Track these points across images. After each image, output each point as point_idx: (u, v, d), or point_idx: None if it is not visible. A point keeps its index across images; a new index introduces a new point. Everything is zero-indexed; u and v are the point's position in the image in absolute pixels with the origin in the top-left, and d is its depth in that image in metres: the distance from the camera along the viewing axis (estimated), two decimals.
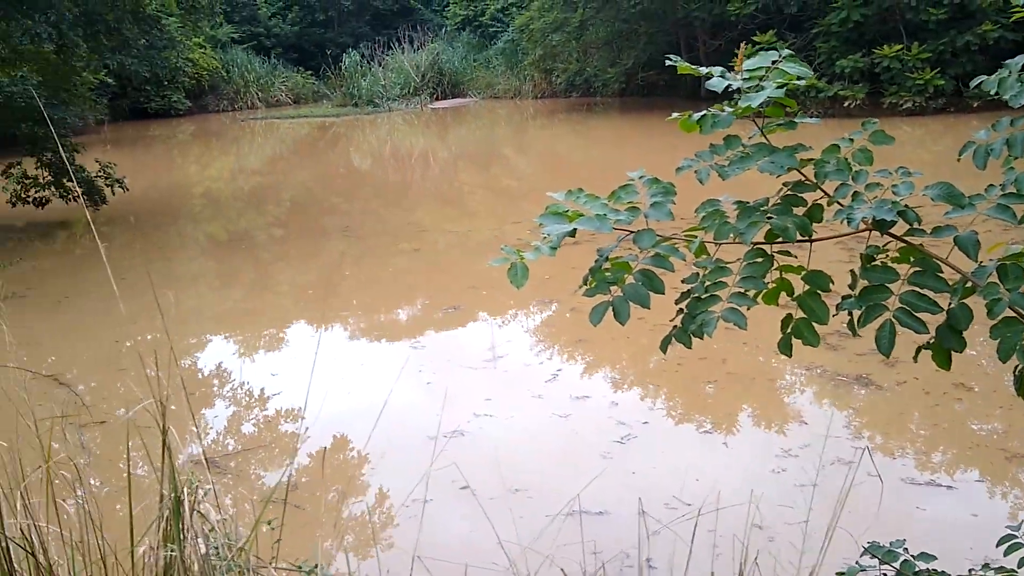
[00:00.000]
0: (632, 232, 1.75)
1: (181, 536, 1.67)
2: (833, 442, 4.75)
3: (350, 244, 10.74)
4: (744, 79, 1.79)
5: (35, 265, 10.27)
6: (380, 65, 31.72)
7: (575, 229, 1.66)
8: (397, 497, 4.39)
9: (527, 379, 5.95)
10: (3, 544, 1.62)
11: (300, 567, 2.04)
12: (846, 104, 18.55)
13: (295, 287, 9.46)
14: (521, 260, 1.68)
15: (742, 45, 1.99)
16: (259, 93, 31.94)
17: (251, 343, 7.55)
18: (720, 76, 1.79)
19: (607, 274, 1.69)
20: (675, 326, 1.77)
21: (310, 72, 34.09)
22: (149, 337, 7.23)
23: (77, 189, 11.80)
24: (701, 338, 1.68)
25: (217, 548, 1.70)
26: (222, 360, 7.01)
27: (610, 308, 1.66)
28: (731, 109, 1.76)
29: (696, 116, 1.78)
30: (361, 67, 31.48)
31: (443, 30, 35.20)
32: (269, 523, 1.95)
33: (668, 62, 1.90)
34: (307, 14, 35.67)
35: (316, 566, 2.09)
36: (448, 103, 30.20)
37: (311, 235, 11.57)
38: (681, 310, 1.76)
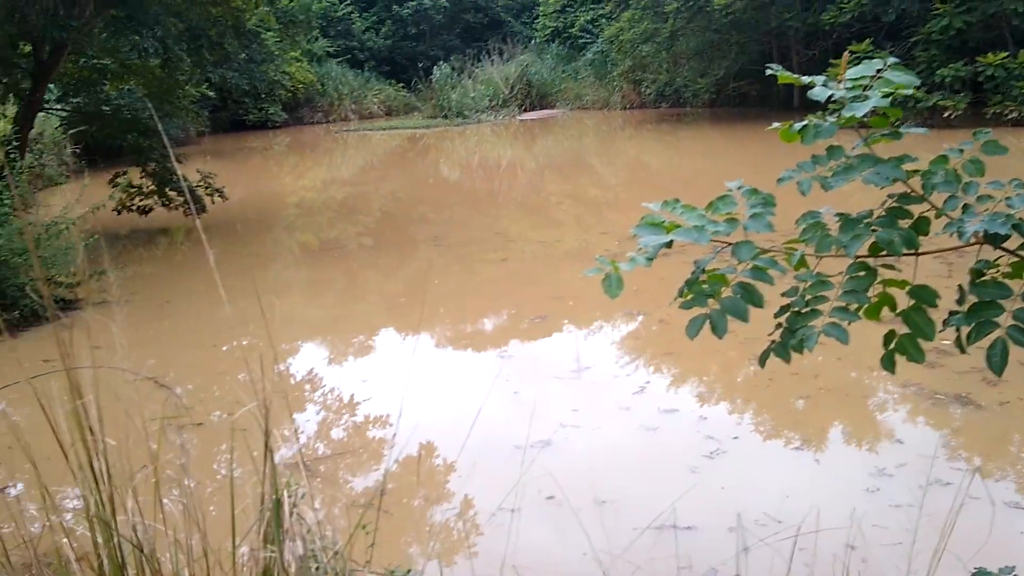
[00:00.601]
0: (728, 244, 1.73)
1: (281, 538, 1.71)
2: (931, 462, 4.59)
3: (438, 253, 10.85)
4: (847, 88, 1.75)
5: (138, 271, 10.66)
6: (470, 77, 32.02)
7: (672, 240, 1.64)
8: (484, 505, 4.40)
9: (614, 391, 5.92)
10: (115, 540, 1.68)
11: (393, 572, 2.06)
12: (946, 115, 17.97)
13: (384, 295, 9.61)
14: (616, 270, 1.68)
15: (845, 54, 1.94)
16: (352, 105, 32.57)
17: (342, 350, 7.68)
18: (823, 85, 1.76)
19: (704, 286, 1.67)
20: (773, 340, 1.73)
21: (402, 85, 34.63)
22: (245, 342, 7.43)
23: (179, 198, 12.22)
24: (801, 353, 1.65)
25: (314, 551, 1.73)
26: (313, 366, 7.15)
27: (707, 321, 1.64)
28: (834, 119, 1.73)
29: (798, 126, 1.75)
30: (451, 79, 31.82)
31: (532, 42, 35.38)
32: (364, 527, 1.98)
33: (768, 71, 1.88)
34: (399, 28, 36.27)
35: (408, 571, 2.12)
36: (536, 114, 30.29)
37: (400, 244, 11.73)
38: (780, 324, 1.73)
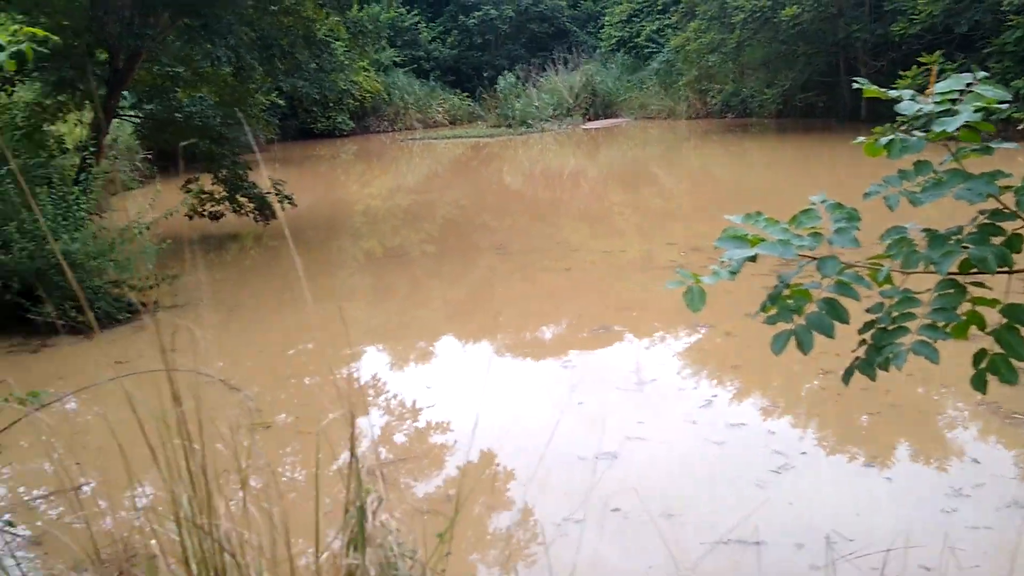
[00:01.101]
0: (812, 258, 1.71)
1: (364, 545, 1.73)
2: (1008, 484, 4.47)
3: (501, 261, 10.89)
4: (936, 102, 1.72)
5: (208, 275, 10.89)
6: (534, 86, 32.11)
7: (756, 254, 1.63)
8: (550, 516, 4.39)
9: (680, 404, 5.87)
10: (210, 543, 1.71)
11: None
12: (1021, 127, 17.49)
13: (447, 302, 9.66)
14: (698, 283, 1.67)
15: (934, 67, 1.91)
16: (418, 114, 32.84)
17: (405, 356, 7.74)
18: (910, 100, 1.73)
19: (788, 301, 1.65)
20: (857, 357, 1.71)
21: (466, 94, 34.85)
22: (310, 346, 7.54)
23: (250, 204, 12.46)
24: (887, 371, 1.62)
25: (393, 559, 1.75)
26: (376, 371, 7.22)
27: (791, 337, 1.62)
28: (922, 133, 1.70)
29: (884, 140, 1.72)
30: (516, 88, 31.94)
31: (597, 51, 35.36)
32: (440, 535, 1.99)
33: (855, 84, 1.85)
34: (465, 38, 36.51)
35: None
36: (600, 123, 30.26)
37: (463, 252, 11.79)
38: (864, 341, 1.70)
